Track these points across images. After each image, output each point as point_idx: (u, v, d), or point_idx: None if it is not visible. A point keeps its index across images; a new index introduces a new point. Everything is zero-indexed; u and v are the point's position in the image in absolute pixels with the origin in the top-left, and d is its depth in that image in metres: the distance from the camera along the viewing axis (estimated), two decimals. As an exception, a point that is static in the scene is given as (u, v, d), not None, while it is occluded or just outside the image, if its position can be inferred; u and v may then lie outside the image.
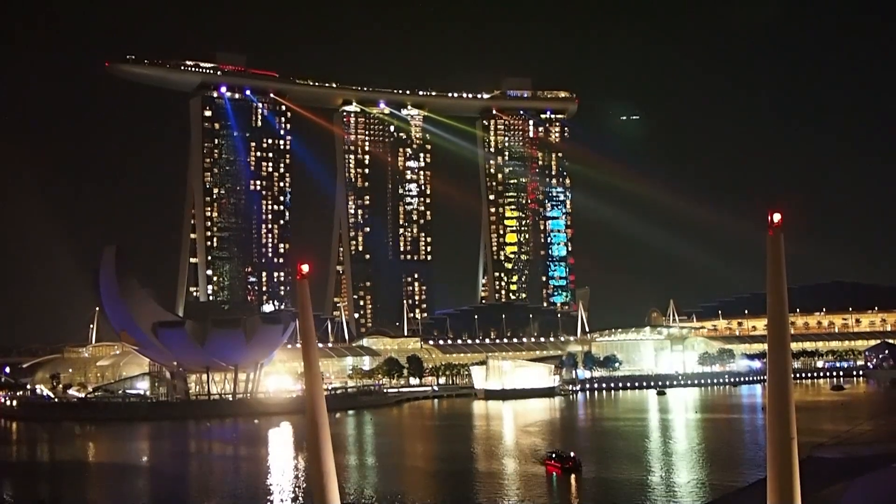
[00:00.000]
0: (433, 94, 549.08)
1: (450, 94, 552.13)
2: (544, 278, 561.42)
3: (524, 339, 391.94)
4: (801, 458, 46.85)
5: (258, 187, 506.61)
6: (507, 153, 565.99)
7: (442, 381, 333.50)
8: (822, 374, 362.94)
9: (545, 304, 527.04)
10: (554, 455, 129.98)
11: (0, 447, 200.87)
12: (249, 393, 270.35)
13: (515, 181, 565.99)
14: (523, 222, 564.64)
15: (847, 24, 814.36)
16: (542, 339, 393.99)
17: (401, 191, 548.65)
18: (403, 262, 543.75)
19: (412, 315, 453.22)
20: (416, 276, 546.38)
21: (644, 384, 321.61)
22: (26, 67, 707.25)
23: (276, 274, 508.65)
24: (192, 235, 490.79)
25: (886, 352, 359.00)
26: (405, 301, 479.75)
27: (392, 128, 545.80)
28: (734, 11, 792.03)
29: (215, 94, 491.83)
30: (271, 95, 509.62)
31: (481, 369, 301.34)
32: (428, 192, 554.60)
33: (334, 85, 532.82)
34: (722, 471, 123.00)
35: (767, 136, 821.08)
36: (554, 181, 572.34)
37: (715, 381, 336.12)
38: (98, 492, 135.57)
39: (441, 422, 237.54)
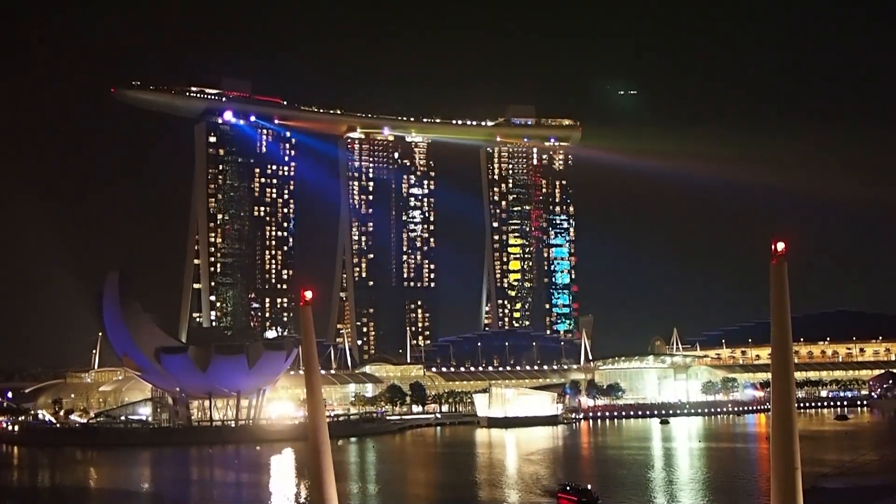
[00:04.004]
0: (437, 121, 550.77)
1: (454, 122, 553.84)
2: (548, 306, 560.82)
3: (527, 367, 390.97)
4: (805, 488, 46.75)
5: (262, 213, 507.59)
6: (510, 180, 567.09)
7: (445, 408, 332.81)
8: (825, 403, 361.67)
9: (548, 332, 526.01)
10: (568, 487, 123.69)
11: (1, 472, 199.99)
12: (252, 419, 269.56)
13: (519, 208, 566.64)
14: (527, 250, 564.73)
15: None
16: (546, 367, 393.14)
17: (404, 217, 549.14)
18: (407, 289, 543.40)
19: (415, 342, 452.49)
20: (419, 302, 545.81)
21: (647, 413, 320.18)
22: (32, 92, 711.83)
23: (279, 300, 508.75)
24: (196, 261, 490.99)
25: (891, 381, 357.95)
26: (408, 328, 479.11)
27: (396, 154, 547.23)
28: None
29: (220, 120, 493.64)
30: (276, 122, 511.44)
31: (484, 397, 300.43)
32: (431, 218, 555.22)
33: (339, 111, 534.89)
34: (728, 501, 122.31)
35: (771, 161, 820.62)
36: (557, 209, 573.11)
37: (718, 410, 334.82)
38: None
39: (444, 449, 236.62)
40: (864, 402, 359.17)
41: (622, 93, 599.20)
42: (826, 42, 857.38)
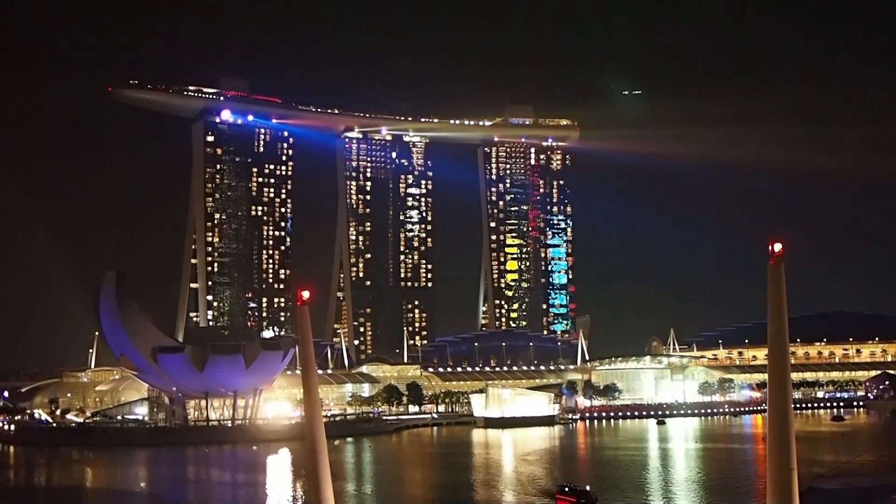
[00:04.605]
0: (435, 120, 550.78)
1: (452, 122, 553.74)
2: (545, 306, 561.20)
3: (524, 367, 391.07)
4: (801, 489, 46.71)
5: (259, 213, 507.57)
6: (508, 180, 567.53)
7: (441, 408, 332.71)
8: (822, 404, 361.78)
9: (545, 332, 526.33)
10: (567, 489, 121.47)
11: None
12: (248, 419, 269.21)
13: (516, 209, 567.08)
14: (524, 250, 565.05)
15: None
16: (542, 367, 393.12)
17: (402, 217, 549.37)
18: (404, 289, 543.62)
19: (412, 342, 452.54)
20: (416, 303, 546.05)
21: (644, 413, 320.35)
22: (29, 91, 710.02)
23: (276, 300, 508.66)
24: (193, 261, 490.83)
25: (887, 382, 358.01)
26: (405, 328, 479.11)
27: (394, 154, 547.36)
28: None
29: (218, 120, 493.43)
30: (274, 121, 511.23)
31: (481, 397, 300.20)
32: (429, 218, 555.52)
33: (337, 111, 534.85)
34: (725, 502, 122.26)
35: (770, 163, 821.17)
36: (555, 209, 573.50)
37: (715, 410, 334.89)
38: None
39: (440, 450, 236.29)
40: (861, 404, 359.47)
41: (626, 93, 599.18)
42: (826, 39, 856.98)
